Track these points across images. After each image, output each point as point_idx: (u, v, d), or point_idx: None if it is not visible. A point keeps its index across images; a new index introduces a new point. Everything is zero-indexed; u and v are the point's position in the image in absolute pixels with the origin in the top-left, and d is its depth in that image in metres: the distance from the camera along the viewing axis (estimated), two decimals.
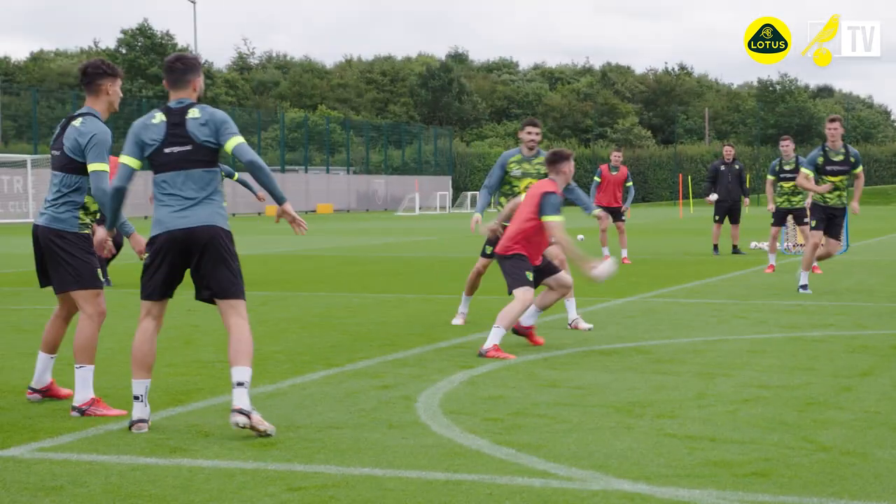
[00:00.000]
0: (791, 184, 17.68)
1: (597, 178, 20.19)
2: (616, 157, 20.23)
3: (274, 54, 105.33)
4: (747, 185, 21.93)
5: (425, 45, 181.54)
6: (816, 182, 13.65)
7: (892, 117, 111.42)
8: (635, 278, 15.95)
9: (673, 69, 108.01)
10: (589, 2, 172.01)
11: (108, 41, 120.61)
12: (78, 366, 6.79)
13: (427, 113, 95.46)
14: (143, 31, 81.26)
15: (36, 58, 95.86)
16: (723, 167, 21.70)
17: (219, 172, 6.51)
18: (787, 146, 18.05)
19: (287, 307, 12.77)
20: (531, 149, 10.82)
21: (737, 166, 21.54)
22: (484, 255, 10.86)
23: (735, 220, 21.60)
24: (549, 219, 9.07)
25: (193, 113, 6.32)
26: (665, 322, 10.99)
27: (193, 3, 67.21)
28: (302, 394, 7.31)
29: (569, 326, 10.48)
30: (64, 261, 6.86)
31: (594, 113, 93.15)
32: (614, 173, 20.02)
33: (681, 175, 65.52)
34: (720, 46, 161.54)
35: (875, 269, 17.42)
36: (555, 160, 9.37)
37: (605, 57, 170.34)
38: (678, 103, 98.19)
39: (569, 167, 9.36)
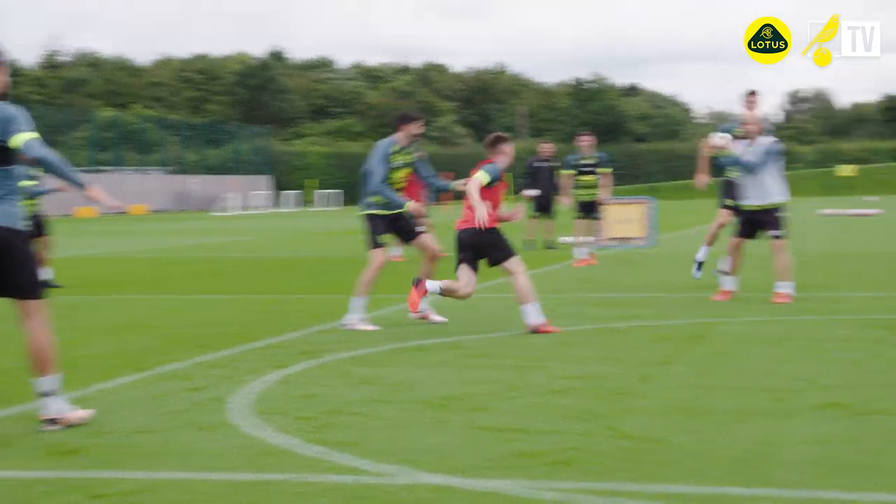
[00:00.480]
0: (591, 177, 18.51)
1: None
2: (546, 148, 22.11)
3: (85, 52, 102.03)
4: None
5: (243, 43, 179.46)
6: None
7: (693, 115, 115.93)
8: (448, 275, 16.09)
9: (489, 68, 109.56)
10: (408, 1, 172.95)
11: None
12: None
13: (245, 111, 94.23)
14: None
15: None
16: (540, 164, 22.20)
17: (13, 171, 6.25)
18: (584, 141, 18.90)
19: (97, 311, 12.43)
20: (412, 141, 10.81)
21: (552, 164, 22.04)
22: (377, 245, 10.61)
23: (549, 215, 22.12)
24: (476, 175, 9.82)
25: None
26: (479, 317, 11.15)
27: None
28: (110, 399, 7.13)
29: (415, 316, 10.46)
30: None
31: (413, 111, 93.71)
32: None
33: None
34: (537, 47, 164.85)
35: (679, 261, 18.05)
36: (495, 142, 10.11)
37: (424, 56, 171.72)
38: (495, 101, 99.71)
39: (509, 148, 10.06)
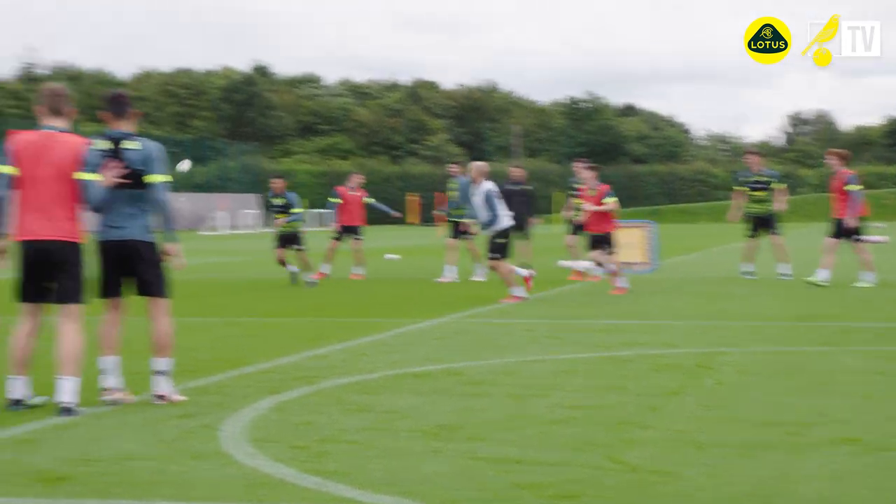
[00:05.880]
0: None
1: (337, 200, 21.36)
2: (355, 178, 21.79)
3: (63, 65, 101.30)
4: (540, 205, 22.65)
5: (227, 57, 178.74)
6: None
7: (691, 136, 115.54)
8: (447, 299, 15.95)
9: (481, 86, 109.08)
10: (389, 17, 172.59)
11: None
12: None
13: (231, 128, 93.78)
14: None
15: None
16: (511, 187, 22.08)
17: (145, 194, 7.68)
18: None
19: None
20: None
21: (525, 186, 21.85)
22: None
23: (525, 236, 21.95)
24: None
25: None
26: (477, 343, 10.97)
27: None
28: (98, 424, 6.94)
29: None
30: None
31: (404, 129, 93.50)
32: (353, 193, 21.43)
33: None
34: (527, 63, 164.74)
35: (683, 287, 17.92)
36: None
37: (411, 73, 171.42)
38: (487, 120, 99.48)
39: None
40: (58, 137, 7.45)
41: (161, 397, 7.67)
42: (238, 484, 5.42)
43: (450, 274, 19.68)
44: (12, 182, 7.39)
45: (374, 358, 9.89)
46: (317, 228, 65.52)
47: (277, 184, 19.68)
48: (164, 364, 7.77)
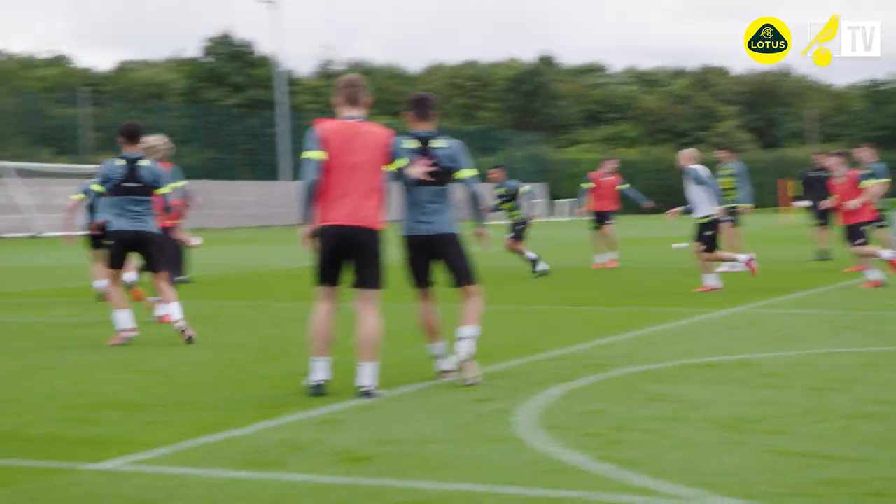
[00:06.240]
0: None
1: (589, 184, 21.27)
2: (609, 164, 21.55)
3: (357, 61, 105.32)
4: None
5: (513, 48, 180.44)
6: None
7: None
8: (740, 288, 15.54)
9: (773, 71, 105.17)
10: (675, 3, 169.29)
11: (192, 50, 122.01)
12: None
13: (517, 118, 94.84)
14: (226, 39, 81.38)
15: (122, 68, 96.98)
16: (814, 174, 21.31)
17: (449, 190, 8.12)
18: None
19: (400, 317, 12.63)
20: None
21: (827, 173, 20.99)
22: None
23: (827, 224, 21.13)
24: None
25: None
26: (771, 334, 10.63)
27: (272, 1, 65.77)
28: (397, 407, 7.18)
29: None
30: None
31: (692, 116, 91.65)
32: (606, 179, 21.23)
33: (780, 181, 64.01)
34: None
35: None
36: None
37: (698, 58, 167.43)
38: (780, 105, 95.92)
39: None
40: (364, 127, 7.69)
41: (446, 373, 8.14)
42: (532, 469, 5.47)
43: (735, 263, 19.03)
44: (321, 168, 7.58)
45: (663, 347, 9.77)
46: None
47: (496, 174, 19.89)
48: (439, 348, 8.23)
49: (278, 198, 56.84)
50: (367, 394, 7.43)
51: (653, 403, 7.13)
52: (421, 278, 8.18)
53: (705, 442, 6.01)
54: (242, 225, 54.77)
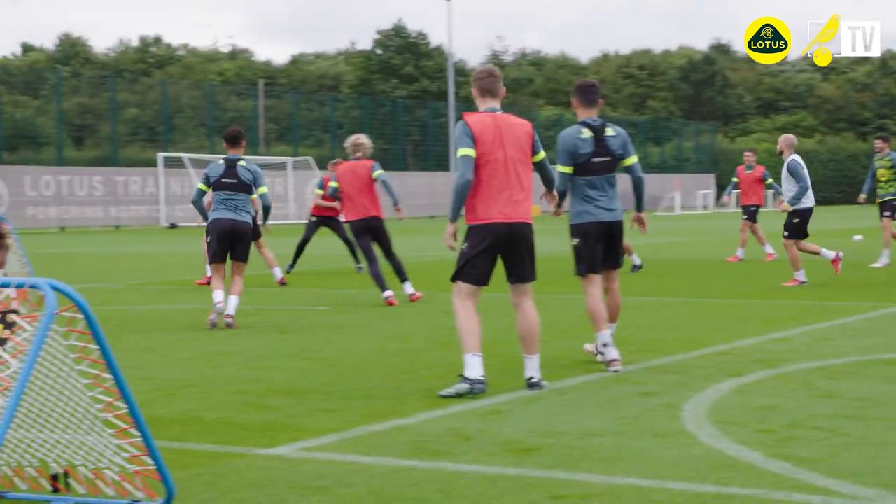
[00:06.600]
0: None
1: (734, 178, 21.22)
2: (748, 156, 20.98)
3: (528, 51, 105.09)
4: None
5: (685, 37, 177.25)
6: None
7: None
8: None
9: None
10: None
11: (364, 42, 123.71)
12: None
13: (688, 108, 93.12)
14: (398, 31, 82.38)
15: (296, 60, 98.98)
16: None
17: (614, 178, 8.33)
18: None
19: (547, 309, 12.62)
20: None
21: None
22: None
23: None
24: None
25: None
26: None
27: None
28: (561, 399, 7.14)
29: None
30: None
31: (873, 104, 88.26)
32: (749, 172, 20.72)
33: None
34: None
35: None
36: None
37: (884, 43, 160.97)
38: None
39: None
40: (509, 119, 7.53)
41: (614, 361, 8.14)
42: (702, 464, 5.36)
43: (883, 259, 18.02)
44: (475, 165, 7.37)
45: (839, 343, 9.46)
46: (771, 209, 63.81)
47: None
48: (604, 336, 8.26)
49: (447, 188, 57.30)
50: (536, 385, 7.40)
51: (828, 400, 6.91)
52: (596, 264, 8.33)
53: (885, 441, 5.79)
54: (412, 215, 55.45)
